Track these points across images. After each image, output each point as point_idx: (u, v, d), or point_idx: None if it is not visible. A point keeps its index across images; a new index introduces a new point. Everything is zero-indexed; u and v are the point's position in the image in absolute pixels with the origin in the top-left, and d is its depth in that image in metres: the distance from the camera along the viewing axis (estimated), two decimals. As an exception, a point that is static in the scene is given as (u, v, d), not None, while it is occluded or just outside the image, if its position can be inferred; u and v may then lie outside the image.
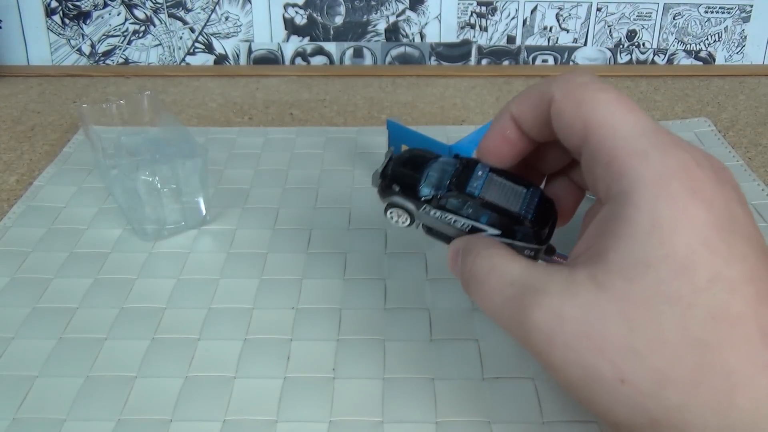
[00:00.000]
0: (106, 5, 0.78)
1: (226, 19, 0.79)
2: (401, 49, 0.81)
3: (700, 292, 0.24)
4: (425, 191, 0.33)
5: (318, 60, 0.81)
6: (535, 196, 0.32)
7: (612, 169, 0.26)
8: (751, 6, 0.78)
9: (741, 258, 0.24)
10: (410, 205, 0.34)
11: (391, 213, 0.35)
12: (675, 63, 0.80)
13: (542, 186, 0.35)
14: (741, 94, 0.74)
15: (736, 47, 0.80)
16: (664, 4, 0.78)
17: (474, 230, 0.33)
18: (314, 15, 0.79)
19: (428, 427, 0.35)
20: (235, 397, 0.37)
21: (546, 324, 0.26)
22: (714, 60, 0.80)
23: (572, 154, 0.30)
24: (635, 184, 0.25)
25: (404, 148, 0.52)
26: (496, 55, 0.80)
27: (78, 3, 0.78)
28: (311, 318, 0.43)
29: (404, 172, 0.34)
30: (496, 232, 0.32)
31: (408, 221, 0.35)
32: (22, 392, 0.37)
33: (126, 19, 0.79)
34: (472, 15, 0.79)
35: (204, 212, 0.51)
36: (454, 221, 0.33)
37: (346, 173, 0.58)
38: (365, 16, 0.79)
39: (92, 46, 0.80)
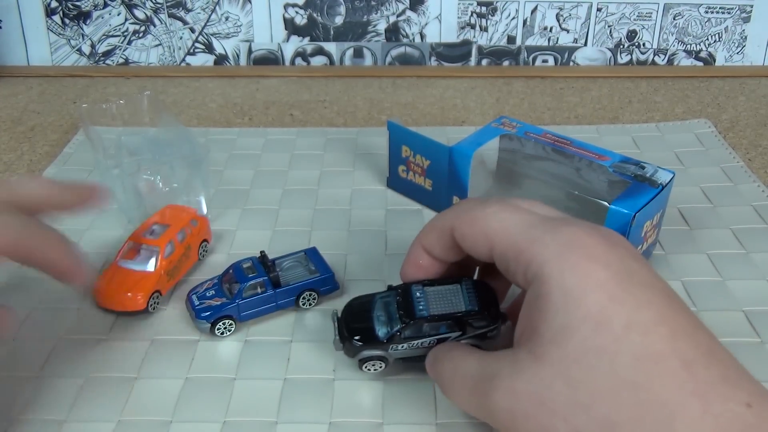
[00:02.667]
0: (106, 5, 0.78)
1: (226, 19, 0.79)
2: (401, 50, 0.81)
3: (620, 340, 0.27)
4: (383, 333, 0.36)
5: (318, 60, 0.81)
6: (470, 287, 0.36)
7: (521, 261, 0.30)
8: (751, 6, 0.78)
9: (647, 304, 0.28)
10: (379, 352, 0.36)
11: (366, 366, 0.37)
12: (675, 63, 0.80)
13: (475, 275, 0.39)
14: (741, 95, 0.74)
15: (737, 47, 0.80)
16: (665, 4, 0.78)
17: (441, 341, 0.36)
18: (314, 15, 0.79)
19: (428, 428, 0.35)
20: (235, 398, 0.37)
21: (504, 403, 0.29)
22: (714, 60, 0.80)
23: (486, 260, 0.34)
24: (542, 266, 0.29)
25: (403, 149, 0.52)
26: (496, 55, 0.80)
27: (78, 3, 0.78)
28: (311, 319, 0.43)
29: (359, 327, 0.37)
30: (457, 333, 0.36)
31: (384, 365, 0.37)
32: (23, 393, 0.37)
33: (126, 19, 0.79)
34: (472, 15, 0.79)
35: (205, 212, 0.51)
36: (421, 343, 0.36)
37: (346, 174, 0.58)
38: (365, 16, 0.79)
39: (92, 46, 0.80)
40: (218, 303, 0.41)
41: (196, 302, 0.41)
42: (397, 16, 0.79)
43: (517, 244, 0.31)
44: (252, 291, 0.41)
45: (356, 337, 0.36)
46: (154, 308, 0.43)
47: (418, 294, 0.36)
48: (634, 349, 0.27)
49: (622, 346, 0.27)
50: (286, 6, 0.79)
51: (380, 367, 0.37)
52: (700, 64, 0.80)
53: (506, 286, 0.39)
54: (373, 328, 0.36)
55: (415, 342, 0.36)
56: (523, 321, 0.31)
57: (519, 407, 0.28)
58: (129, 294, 0.41)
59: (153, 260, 0.43)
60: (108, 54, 0.80)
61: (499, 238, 0.32)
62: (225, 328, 0.41)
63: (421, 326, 0.35)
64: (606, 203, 0.45)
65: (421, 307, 0.35)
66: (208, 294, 0.42)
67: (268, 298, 0.42)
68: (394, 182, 0.55)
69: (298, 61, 0.81)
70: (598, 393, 0.27)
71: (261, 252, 0.44)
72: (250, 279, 0.41)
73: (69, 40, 0.80)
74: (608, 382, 0.27)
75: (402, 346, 0.36)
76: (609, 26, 0.79)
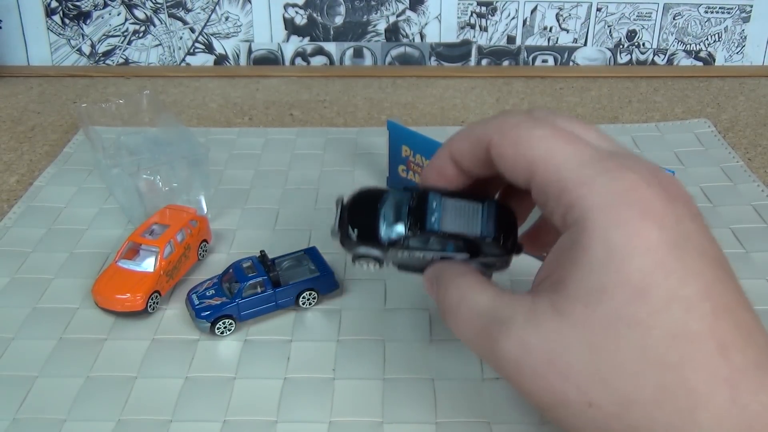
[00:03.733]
0: (106, 5, 0.78)
1: (226, 19, 0.79)
2: (401, 50, 0.81)
3: (657, 314, 0.24)
4: (386, 235, 0.32)
5: (318, 60, 0.81)
6: (491, 210, 0.32)
7: (562, 201, 0.27)
8: (751, 6, 0.78)
9: (696, 275, 0.25)
10: (376, 252, 0.33)
11: (359, 263, 0.34)
12: (675, 63, 0.80)
13: (497, 196, 0.35)
14: (741, 95, 0.74)
15: (736, 47, 0.80)
16: (664, 4, 0.78)
17: (444, 258, 0.33)
18: (314, 15, 0.79)
19: (428, 427, 0.35)
20: (235, 397, 0.37)
21: (513, 354, 0.27)
22: (714, 60, 0.80)
23: (521, 187, 0.30)
24: (586, 213, 0.26)
25: (404, 149, 0.52)
26: (496, 55, 0.80)
27: (78, 3, 0.78)
28: (311, 318, 0.43)
29: (361, 221, 0.33)
30: (465, 256, 0.32)
31: (378, 266, 0.34)
32: (22, 392, 0.37)
33: (126, 19, 0.79)
34: (472, 15, 0.79)
35: (205, 211, 0.51)
36: (423, 256, 0.33)
37: (346, 174, 0.58)
38: (365, 16, 0.79)
39: (92, 46, 0.80)
40: (218, 302, 0.41)
41: (196, 302, 0.41)
42: (397, 16, 0.79)
43: (563, 181, 0.27)
44: (252, 290, 0.41)
45: (355, 230, 0.33)
46: (153, 309, 0.43)
47: (434, 203, 0.32)
48: (671, 325, 0.24)
49: (659, 320, 0.24)
50: (286, 6, 0.79)
51: (374, 267, 0.34)
52: (700, 64, 0.80)
53: (528, 209, 0.35)
54: (377, 227, 0.32)
55: (418, 254, 0.33)
56: (550, 267, 0.28)
57: (528, 362, 0.26)
58: (128, 294, 0.41)
59: (152, 260, 0.43)
60: (108, 54, 0.80)
61: (542, 169, 0.28)
62: (225, 327, 0.41)
63: (428, 239, 0.32)
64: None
65: (433, 219, 0.32)
66: (207, 293, 0.42)
67: (267, 297, 0.41)
68: (394, 182, 0.55)
69: (298, 61, 0.81)
70: (621, 366, 0.25)
71: (261, 251, 0.44)
72: (249, 278, 0.41)
73: (69, 40, 0.80)
74: (635, 356, 0.24)
75: (402, 254, 0.33)
76: (609, 26, 0.79)
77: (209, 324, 0.40)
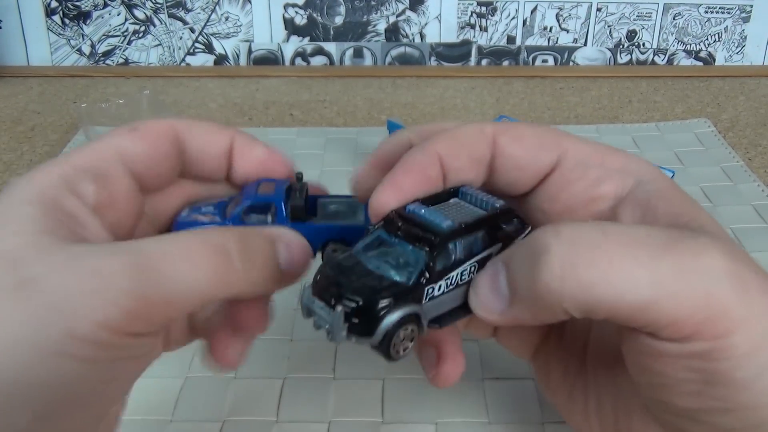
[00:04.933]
0: (106, 5, 0.78)
1: (226, 19, 0.79)
2: (401, 50, 0.81)
3: None
4: (405, 277, 0.24)
5: (318, 60, 0.81)
6: (470, 193, 0.28)
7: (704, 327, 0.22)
8: (751, 6, 0.78)
9: None
10: (411, 308, 0.24)
11: (396, 347, 0.24)
12: (675, 63, 0.80)
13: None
14: (741, 95, 0.74)
15: (736, 47, 0.80)
16: (664, 4, 0.78)
17: (481, 264, 0.26)
18: (314, 15, 0.79)
19: (428, 427, 0.35)
20: (234, 397, 0.37)
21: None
22: (714, 60, 0.80)
23: (513, 192, 0.28)
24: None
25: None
26: (496, 55, 0.80)
27: (78, 3, 0.78)
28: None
29: (364, 286, 0.24)
30: (498, 247, 0.26)
31: (417, 332, 0.25)
32: (22, 392, 0.37)
33: (126, 19, 0.79)
34: (472, 15, 0.79)
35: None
36: (461, 277, 0.25)
37: (346, 174, 0.58)
38: (365, 16, 0.79)
39: (92, 46, 0.80)
40: (205, 220, 0.29)
41: (183, 214, 0.30)
42: (397, 16, 0.79)
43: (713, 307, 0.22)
44: (256, 217, 0.29)
45: (378, 298, 0.24)
46: None
47: (422, 212, 0.26)
48: None
49: None
50: (286, 6, 0.79)
51: (412, 339, 0.25)
52: (700, 64, 0.80)
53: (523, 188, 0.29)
54: (388, 277, 0.24)
55: (454, 275, 0.25)
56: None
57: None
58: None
59: None
60: (108, 54, 0.80)
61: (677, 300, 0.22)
62: None
63: (450, 253, 0.25)
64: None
65: (438, 221, 0.25)
66: (203, 209, 0.30)
67: None
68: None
69: (298, 61, 0.81)
70: None
71: (298, 174, 0.32)
72: (258, 198, 0.29)
73: (69, 40, 0.80)
74: None
75: (440, 288, 0.25)
76: (609, 26, 0.79)
77: None
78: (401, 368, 0.38)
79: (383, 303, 0.24)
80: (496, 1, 0.78)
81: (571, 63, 0.81)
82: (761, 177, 0.58)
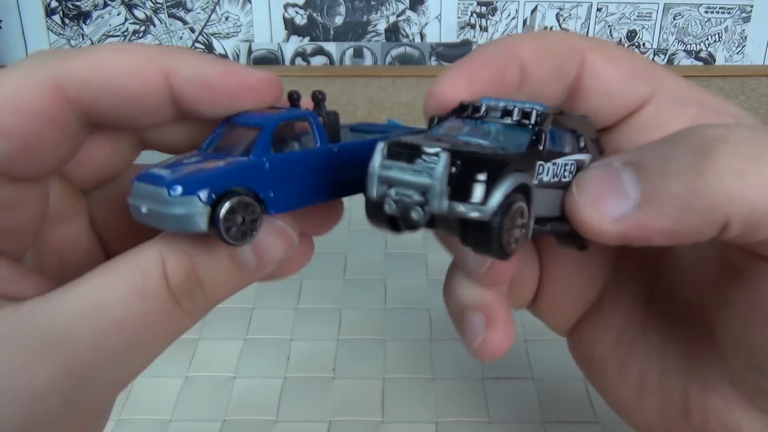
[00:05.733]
0: (106, 5, 0.78)
1: (226, 19, 0.79)
2: (401, 49, 0.81)
3: None
4: (516, 146, 0.20)
5: (318, 60, 0.81)
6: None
7: None
8: (751, 6, 0.78)
9: None
10: (526, 179, 0.19)
11: (510, 230, 0.19)
12: (675, 63, 0.80)
13: None
14: (741, 95, 0.74)
15: (737, 47, 0.80)
16: (665, 4, 0.78)
17: (579, 164, 0.22)
18: (314, 15, 0.79)
19: (428, 427, 0.35)
20: (235, 396, 0.37)
21: None
22: (714, 60, 0.80)
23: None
24: None
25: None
26: (496, 55, 0.80)
27: (78, 3, 0.78)
28: (311, 318, 0.43)
29: (473, 147, 0.20)
30: (589, 156, 0.22)
31: (527, 216, 0.19)
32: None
33: (126, 19, 0.79)
34: (472, 15, 0.79)
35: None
36: (564, 169, 0.21)
37: (346, 173, 0.58)
38: (365, 16, 0.79)
39: (92, 46, 0.80)
40: (221, 166, 0.19)
41: (163, 173, 0.19)
42: (397, 16, 0.79)
43: None
44: (290, 145, 0.22)
45: (494, 153, 0.19)
46: None
47: (500, 100, 0.22)
48: None
49: None
50: (286, 6, 0.79)
51: (522, 227, 0.19)
52: (700, 63, 0.80)
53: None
54: (489, 145, 0.20)
55: (560, 164, 0.21)
56: None
57: None
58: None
59: None
60: (108, 54, 0.80)
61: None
62: (244, 222, 0.19)
63: (554, 139, 0.21)
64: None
65: (529, 104, 0.21)
66: (185, 161, 0.20)
67: (321, 163, 0.22)
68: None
69: (298, 61, 0.81)
70: None
71: (317, 92, 0.26)
72: (286, 116, 0.22)
73: (69, 40, 0.80)
74: None
75: (548, 173, 0.20)
76: (609, 26, 0.79)
77: (207, 206, 0.18)
78: (401, 368, 0.38)
79: (501, 158, 0.18)
80: (496, 1, 0.78)
81: (571, 63, 0.80)
82: (761, 177, 0.58)
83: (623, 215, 0.19)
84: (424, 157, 0.18)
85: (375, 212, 0.20)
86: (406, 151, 0.19)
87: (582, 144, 0.22)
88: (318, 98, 0.25)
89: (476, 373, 0.38)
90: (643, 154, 0.19)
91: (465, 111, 0.21)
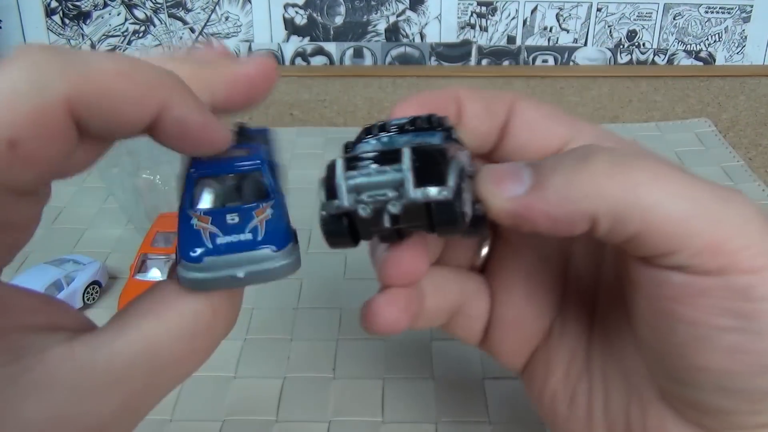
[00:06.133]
0: (106, 5, 0.78)
1: (226, 19, 0.79)
2: (401, 49, 0.81)
3: None
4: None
5: (318, 60, 0.81)
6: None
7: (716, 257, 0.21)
8: (752, 6, 0.78)
9: None
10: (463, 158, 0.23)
11: (465, 202, 0.22)
12: (675, 63, 0.80)
13: None
14: (741, 95, 0.74)
15: (737, 47, 0.80)
16: (665, 4, 0.78)
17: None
18: (314, 15, 0.79)
19: (428, 427, 0.35)
20: (234, 396, 0.37)
21: None
22: (714, 60, 0.80)
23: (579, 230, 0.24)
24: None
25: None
26: (496, 55, 0.80)
27: (78, 3, 0.78)
28: (311, 318, 0.43)
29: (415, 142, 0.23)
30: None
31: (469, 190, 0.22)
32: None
33: (126, 19, 0.79)
34: (472, 15, 0.79)
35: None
36: (467, 155, 0.24)
37: (346, 173, 0.58)
38: (365, 16, 0.79)
39: (92, 46, 0.80)
40: (270, 216, 0.21)
41: (241, 238, 0.21)
42: (397, 16, 0.79)
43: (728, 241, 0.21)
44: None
45: (439, 144, 0.23)
46: None
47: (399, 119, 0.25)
48: None
49: None
50: (286, 6, 0.79)
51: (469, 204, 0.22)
52: (700, 63, 0.80)
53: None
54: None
55: (466, 152, 0.24)
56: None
57: None
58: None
59: (166, 269, 0.43)
60: (108, 54, 0.80)
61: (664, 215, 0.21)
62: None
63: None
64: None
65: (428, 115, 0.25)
66: (229, 222, 0.21)
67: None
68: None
69: (298, 61, 0.81)
70: None
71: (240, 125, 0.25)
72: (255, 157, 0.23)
73: (69, 40, 0.80)
74: None
75: (464, 154, 0.24)
76: (609, 26, 0.79)
77: (296, 247, 0.22)
78: (401, 368, 0.38)
79: (444, 148, 0.21)
80: (496, 1, 0.78)
81: (571, 63, 0.81)
82: (762, 177, 0.58)
83: (516, 195, 0.22)
84: (383, 159, 0.21)
85: (336, 226, 0.22)
86: (364, 161, 0.21)
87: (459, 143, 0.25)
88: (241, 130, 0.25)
89: (476, 373, 0.38)
90: (543, 160, 0.23)
91: (371, 132, 0.24)
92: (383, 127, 0.24)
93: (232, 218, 0.21)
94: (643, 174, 0.21)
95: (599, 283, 0.27)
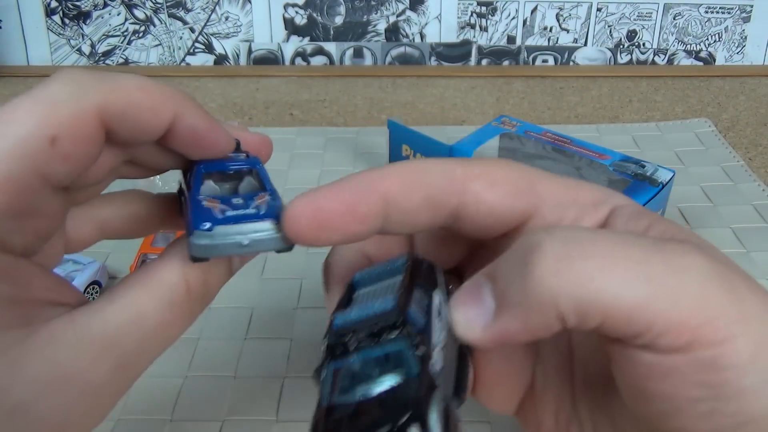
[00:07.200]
0: (106, 5, 0.78)
1: (226, 19, 0.79)
2: (401, 49, 0.81)
3: None
4: (408, 372, 0.21)
5: (318, 60, 0.81)
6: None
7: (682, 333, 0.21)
8: (751, 6, 0.78)
9: None
10: (438, 397, 0.21)
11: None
12: (675, 63, 0.80)
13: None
14: (741, 95, 0.74)
15: (737, 47, 0.80)
16: (665, 4, 0.78)
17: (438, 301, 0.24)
18: (314, 15, 0.79)
19: (428, 427, 0.35)
20: (234, 397, 0.37)
21: None
22: (714, 60, 0.80)
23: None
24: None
25: (409, 153, 0.52)
26: (496, 55, 0.80)
27: (78, 3, 0.78)
28: (311, 318, 0.43)
29: (386, 404, 0.21)
30: (442, 290, 0.25)
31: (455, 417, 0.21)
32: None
33: (126, 19, 0.79)
34: (472, 15, 0.79)
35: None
36: (440, 333, 0.23)
37: (346, 173, 0.58)
38: (365, 16, 0.79)
39: (92, 46, 0.80)
40: (269, 199, 0.25)
41: (250, 212, 0.24)
42: (397, 16, 0.79)
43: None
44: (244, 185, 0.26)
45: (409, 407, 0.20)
46: None
47: (352, 314, 0.24)
48: None
49: None
50: (286, 6, 0.79)
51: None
52: (700, 63, 0.80)
53: (457, 252, 0.29)
54: (392, 388, 0.21)
55: (435, 332, 0.23)
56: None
57: None
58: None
59: None
60: (108, 54, 0.80)
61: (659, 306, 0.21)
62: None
63: (415, 319, 0.22)
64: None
65: (379, 305, 0.23)
66: (233, 203, 0.24)
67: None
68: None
69: (298, 61, 0.81)
70: None
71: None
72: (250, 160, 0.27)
73: (69, 40, 0.80)
74: None
75: (437, 354, 0.22)
76: (609, 26, 0.79)
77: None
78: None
79: (417, 408, 0.20)
80: (496, 1, 0.78)
81: (571, 63, 0.81)
82: (761, 176, 0.58)
83: (487, 323, 0.22)
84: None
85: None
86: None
87: (430, 285, 0.24)
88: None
89: (476, 373, 0.38)
90: (496, 266, 0.23)
91: (335, 353, 0.24)
92: (345, 346, 0.23)
93: (237, 200, 0.24)
94: (592, 264, 0.21)
95: (573, 335, 0.28)
